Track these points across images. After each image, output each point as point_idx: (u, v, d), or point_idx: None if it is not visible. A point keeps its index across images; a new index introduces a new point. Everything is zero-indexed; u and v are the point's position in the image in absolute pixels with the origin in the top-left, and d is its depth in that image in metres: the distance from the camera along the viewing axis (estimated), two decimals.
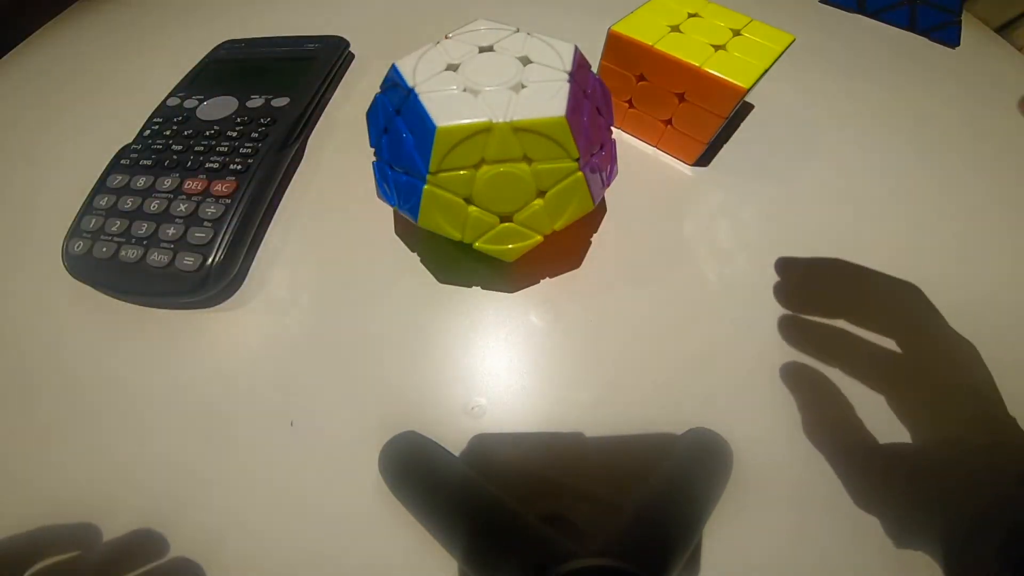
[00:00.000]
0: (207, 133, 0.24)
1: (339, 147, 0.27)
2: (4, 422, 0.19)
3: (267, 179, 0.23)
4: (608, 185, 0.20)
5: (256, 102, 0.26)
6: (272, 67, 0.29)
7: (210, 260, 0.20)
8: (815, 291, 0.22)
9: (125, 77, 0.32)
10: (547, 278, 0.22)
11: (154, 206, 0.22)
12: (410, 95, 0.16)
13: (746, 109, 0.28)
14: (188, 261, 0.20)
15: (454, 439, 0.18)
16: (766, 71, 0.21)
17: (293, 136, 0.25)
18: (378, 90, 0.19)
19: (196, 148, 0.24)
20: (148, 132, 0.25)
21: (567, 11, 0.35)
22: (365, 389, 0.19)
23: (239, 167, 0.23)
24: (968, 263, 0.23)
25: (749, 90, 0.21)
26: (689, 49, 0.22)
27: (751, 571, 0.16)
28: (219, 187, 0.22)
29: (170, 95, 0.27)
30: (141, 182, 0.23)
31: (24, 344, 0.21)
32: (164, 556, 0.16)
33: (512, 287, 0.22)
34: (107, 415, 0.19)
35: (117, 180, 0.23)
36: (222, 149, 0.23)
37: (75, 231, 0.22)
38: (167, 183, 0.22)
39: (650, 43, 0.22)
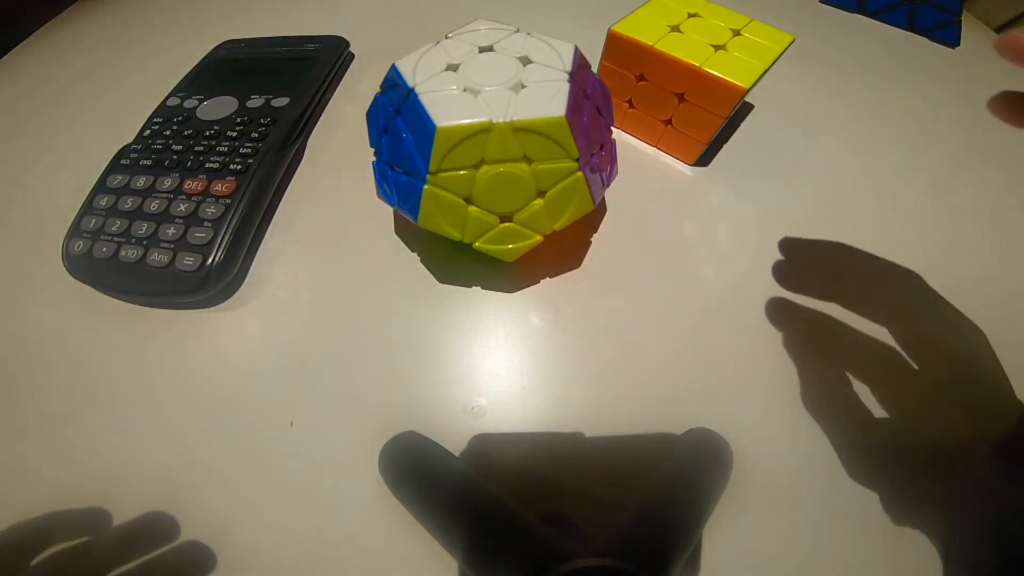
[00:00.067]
0: (207, 133, 0.24)
1: (339, 147, 0.27)
2: (3, 422, 0.19)
3: (267, 179, 0.23)
4: (608, 185, 0.20)
5: (256, 102, 0.26)
6: (272, 67, 0.29)
7: (210, 260, 0.20)
8: (816, 278, 0.22)
9: (125, 77, 0.32)
10: (547, 278, 0.22)
11: (154, 206, 0.22)
12: (410, 95, 0.16)
13: (746, 109, 0.28)
14: (188, 261, 0.20)
15: (454, 439, 0.18)
16: (766, 71, 0.21)
17: (293, 136, 0.25)
18: (378, 90, 0.19)
19: (196, 148, 0.24)
20: (148, 132, 0.25)
21: (567, 11, 0.35)
22: (365, 389, 0.19)
23: (239, 167, 0.23)
24: (968, 262, 0.23)
25: (749, 90, 0.21)
26: (689, 49, 0.22)
27: (751, 571, 0.16)
28: (219, 187, 0.22)
29: (170, 95, 0.27)
30: (141, 182, 0.23)
31: (24, 344, 0.21)
32: (175, 540, 0.16)
33: (512, 287, 0.22)
34: (107, 415, 0.19)
35: (117, 180, 0.23)
36: (222, 149, 0.23)
37: (75, 231, 0.22)
38: (167, 183, 0.22)
39: (650, 43, 0.22)
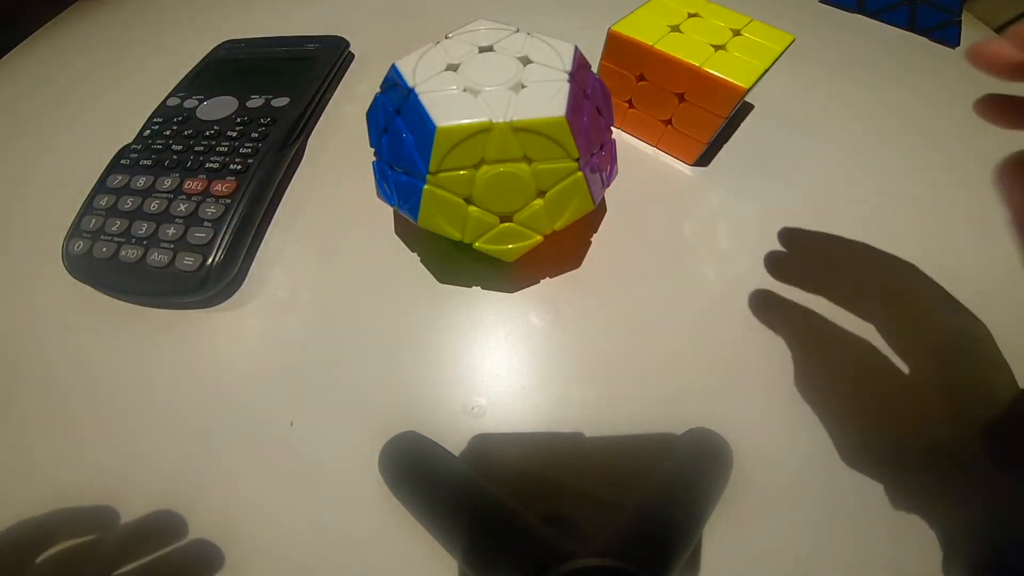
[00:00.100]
0: (207, 133, 0.24)
1: (339, 147, 0.27)
2: (3, 422, 0.19)
3: (267, 179, 0.23)
4: (608, 185, 0.20)
5: (256, 102, 0.26)
6: (272, 67, 0.29)
7: (210, 260, 0.20)
8: (816, 277, 0.22)
9: (125, 77, 0.32)
10: (547, 278, 0.22)
11: (154, 206, 0.22)
12: (410, 95, 0.16)
13: (746, 109, 0.28)
14: (188, 261, 0.20)
15: (454, 439, 0.18)
16: (766, 71, 0.21)
17: (293, 136, 0.25)
18: (378, 90, 0.19)
19: (196, 148, 0.24)
20: (148, 132, 0.25)
21: (567, 11, 0.35)
22: (365, 389, 0.19)
23: (239, 167, 0.23)
24: (969, 261, 0.23)
25: (749, 90, 0.21)
26: (689, 49, 0.22)
27: (751, 571, 0.16)
28: (219, 187, 0.22)
29: (170, 95, 0.27)
30: (141, 182, 0.23)
31: (24, 344, 0.21)
32: (183, 538, 0.16)
33: (512, 287, 0.22)
34: (106, 415, 0.19)
35: (117, 180, 0.23)
36: (222, 149, 0.23)
37: (75, 231, 0.22)
38: (167, 183, 0.22)
39: (650, 43, 0.22)
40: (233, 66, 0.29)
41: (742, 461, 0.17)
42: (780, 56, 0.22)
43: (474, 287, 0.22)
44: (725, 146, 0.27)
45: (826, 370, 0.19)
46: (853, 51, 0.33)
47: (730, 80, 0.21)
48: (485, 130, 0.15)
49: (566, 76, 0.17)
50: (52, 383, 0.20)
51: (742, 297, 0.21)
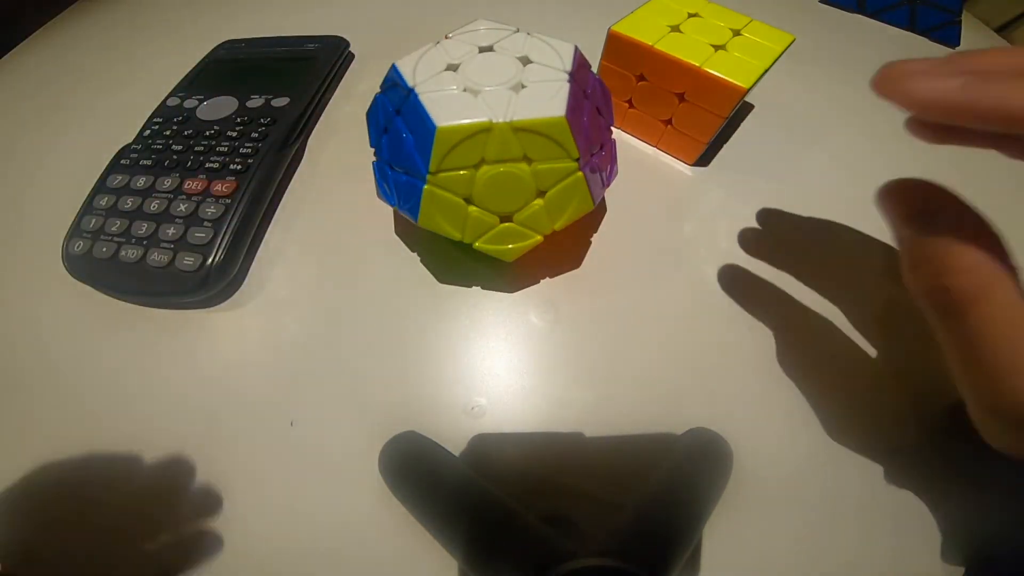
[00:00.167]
0: (207, 133, 0.24)
1: (339, 147, 0.27)
2: (3, 422, 0.19)
3: (267, 179, 0.23)
4: (608, 185, 0.20)
5: (256, 102, 0.26)
6: (272, 67, 0.29)
7: (210, 260, 0.20)
8: (815, 277, 0.22)
9: (125, 77, 0.32)
10: (547, 278, 0.22)
11: (154, 206, 0.22)
12: (410, 95, 0.16)
13: (746, 109, 0.28)
14: (188, 261, 0.20)
15: (454, 439, 0.18)
16: (766, 71, 0.21)
17: (293, 136, 0.25)
18: (378, 90, 0.19)
19: (196, 148, 0.24)
20: (148, 132, 0.25)
21: (567, 11, 0.35)
22: (365, 389, 0.19)
23: (239, 167, 0.23)
24: None
25: (749, 90, 0.21)
26: (689, 49, 0.22)
27: (751, 571, 0.16)
28: (219, 187, 0.22)
29: (170, 95, 0.27)
30: (141, 182, 0.23)
31: (24, 344, 0.21)
32: (183, 538, 0.16)
33: (512, 287, 0.22)
34: (106, 415, 0.19)
35: (117, 180, 0.23)
36: (222, 149, 0.23)
37: (75, 231, 0.22)
38: (167, 183, 0.22)
39: (650, 43, 0.22)
40: (233, 66, 0.29)
41: (742, 461, 0.17)
42: (780, 56, 0.22)
43: (474, 287, 0.22)
44: (725, 146, 0.27)
45: (826, 370, 0.19)
46: (853, 51, 0.33)
47: (730, 80, 0.21)
48: (485, 130, 0.15)
49: (566, 76, 0.17)
50: (52, 383, 0.20)
51: (742, 296, 0.21)
